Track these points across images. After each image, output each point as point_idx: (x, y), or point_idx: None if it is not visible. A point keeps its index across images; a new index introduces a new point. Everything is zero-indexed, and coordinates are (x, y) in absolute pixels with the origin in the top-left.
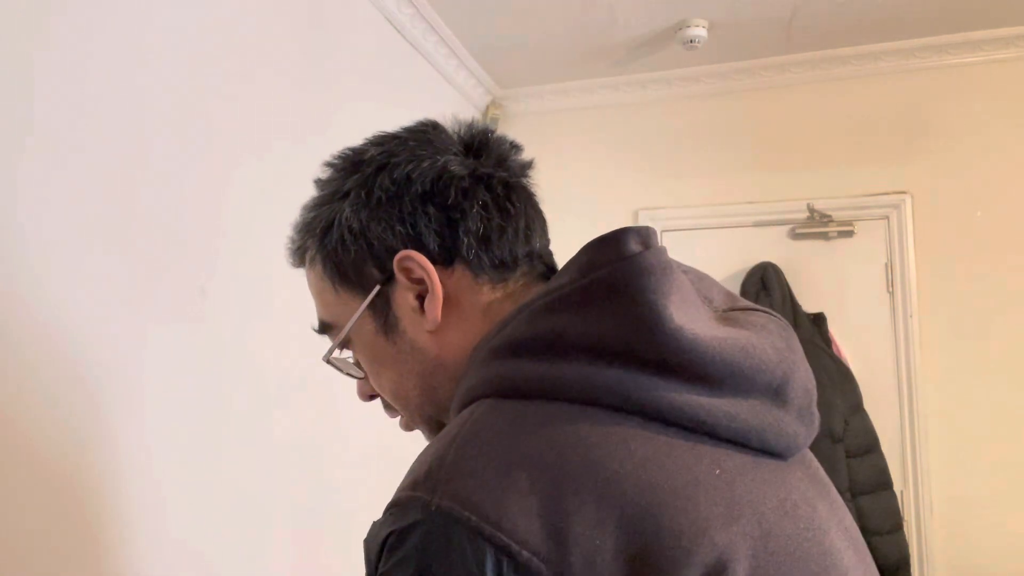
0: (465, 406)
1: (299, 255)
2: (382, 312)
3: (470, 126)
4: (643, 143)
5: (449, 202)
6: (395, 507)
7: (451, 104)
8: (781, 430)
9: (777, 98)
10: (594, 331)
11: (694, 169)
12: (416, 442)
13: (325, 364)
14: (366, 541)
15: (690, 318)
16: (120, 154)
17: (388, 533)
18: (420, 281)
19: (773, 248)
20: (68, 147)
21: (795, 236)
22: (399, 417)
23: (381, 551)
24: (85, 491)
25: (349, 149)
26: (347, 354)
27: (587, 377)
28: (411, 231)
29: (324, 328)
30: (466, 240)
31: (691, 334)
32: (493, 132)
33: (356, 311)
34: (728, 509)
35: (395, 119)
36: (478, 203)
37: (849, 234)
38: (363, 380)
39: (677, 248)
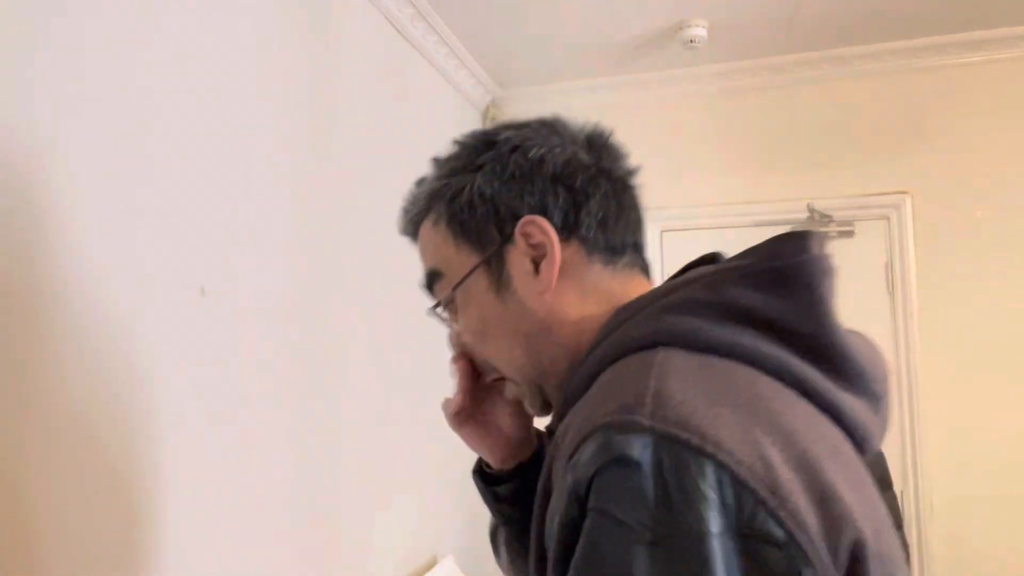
0: (624, 354)
1: (416, 222)
2: (497, 270)
3: (593, 126)
4: (642, 143)
5: (576, 185)
6: (610, 428)
7: (451, 104)
8: (873, 433)
9: (777, 98)
10: (772, 309)
11: (694, 169)
12: (417, 444)
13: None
14: (576, 465)
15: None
16: (122, 152)
17: (618, 455)
18: (537, 247)
19: None
20: (69, 147)
21: None
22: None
23: (601, 469)
24: (85, 492)
25: (480, 131)
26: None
27: (758, 346)
28: (539, 203)
29: (433, 278)
30: (587, 220)
31: (843, 332)
32: (611, 134)
33: (472, 266)
34: (857, 493)
35: (395, 119)
36: (600, 191)
37: (849, 234)
38: (457, 333)
39: (677, 248)
